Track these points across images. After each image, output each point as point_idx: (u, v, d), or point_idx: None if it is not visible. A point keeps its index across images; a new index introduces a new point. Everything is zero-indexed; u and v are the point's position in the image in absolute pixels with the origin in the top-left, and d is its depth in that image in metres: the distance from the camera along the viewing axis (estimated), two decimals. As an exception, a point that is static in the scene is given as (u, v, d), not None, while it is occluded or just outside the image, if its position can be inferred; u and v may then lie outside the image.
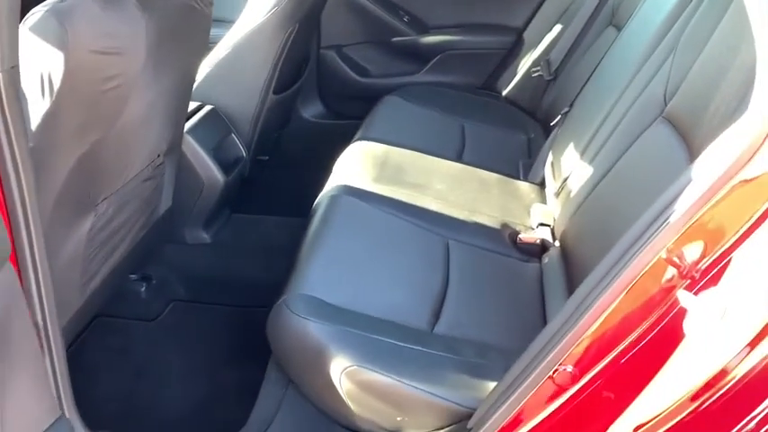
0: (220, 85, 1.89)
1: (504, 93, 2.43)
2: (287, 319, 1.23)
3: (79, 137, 1.09)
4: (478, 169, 1.88)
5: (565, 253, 1.49)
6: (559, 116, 1.86)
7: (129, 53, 1.10)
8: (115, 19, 1.06)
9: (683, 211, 0.80)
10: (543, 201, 1.78)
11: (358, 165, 1.78)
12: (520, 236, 1.60)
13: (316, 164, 2.33)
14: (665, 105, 1.34)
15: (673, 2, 1.42)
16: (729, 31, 1.17)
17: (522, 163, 1.96)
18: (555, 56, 2.21)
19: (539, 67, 2.23)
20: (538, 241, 1.58)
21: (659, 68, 1.38)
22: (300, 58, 2.22)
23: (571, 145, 1.64)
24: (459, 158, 1.96)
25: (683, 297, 0.82)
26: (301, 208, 1.94)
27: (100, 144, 1.13)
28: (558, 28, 2.27)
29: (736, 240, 0.80)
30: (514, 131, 2.23)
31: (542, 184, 1.88)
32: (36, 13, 1.00)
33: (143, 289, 1.82)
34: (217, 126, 1.86)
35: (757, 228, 0.78)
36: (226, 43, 1.85)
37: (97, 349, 1.68)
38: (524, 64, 2.38)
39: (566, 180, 1.59)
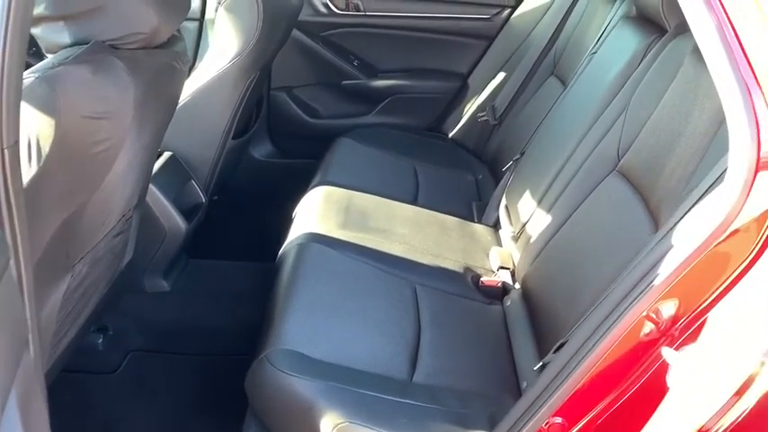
0: (180, 132, 1.86)
1: (451, 135, 2.53)
2: (270, 376, 1.24)
3: (66, 201, 1.07)
4: (436, 213, 1.95)
5: (527, 296, 1.57)
6: (511, 162, 1.95)
7: (119, 116, 1.10)
8: (105, 83, 1.06)
9: (664, 277, 0.89)
10: (499, 243, 1.86)
11: (322, 210, 1.81)
12: (482, 279, 1.68)
13: (268, 203, 2.35)
14: (619, 160, 1.45)
15: (622, 63, 1.55)
16: (680, 97, 1.29)
17: (474, 205, 2.05)
18: (500, 102, 2.32)
19: (484, 113, 2.34)
20: (499, 284, 1.66)
21: (611, 125, 1.49)
22: (254, 104, 2.23)
23: (527, 193, 1.73)
24: (415, 200, 2.03)
25: (666, 353, 0.90)
26: (258, 251, 1.96)
27: (84, 205, 1.12)
28: (501, 75, 2.40)
29: (712, 301, 0.89)
30: (463, 172, 2.32)
31: (496, 226, 1.97)
32: (26, 79, 0.99)
33: (100, 341, 1.77)
34: (177, 173, 1.85)
35: (731, 289, 0.87)
36: (186, 90, 1.85)
37: (56, 408, 1.62)
38: (469, 108, 2.49)
39: (524, 226, 1.68)
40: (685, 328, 0.91)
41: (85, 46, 1.06)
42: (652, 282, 0.90)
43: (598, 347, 0.94)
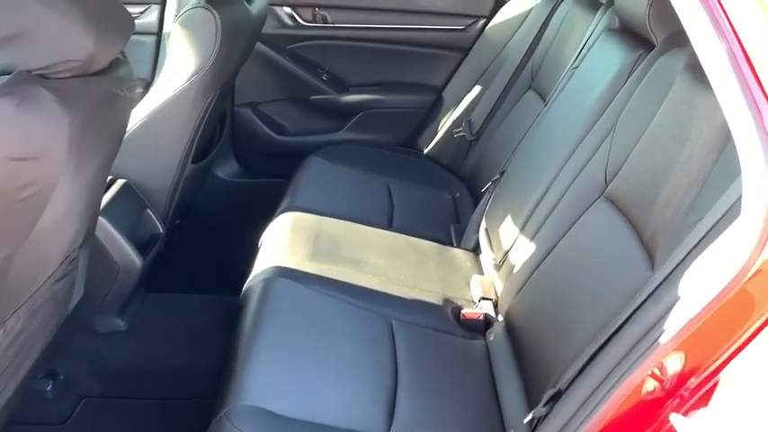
0: (134, 158, 1.73)
1: (426, 151, 2.42)
2: (231, 437, 1.11)
3: (-14, 254, 0.94)
4: (412, 237, 1.84)
5: (511, 330, 1.47)
6: (490, 183, 1.85)
7: (49, 155, 0.96)
8: (31, 119, 0.93)
9: (672, 334, 0.78)
10: (480, 270, 1.76)
11: (289, 240, 1.68)
12: (463, 311, 1.56)
13: (234, 227, 2.22)
14: (607, 185, 1.35)
15: (606, 79, 1.45)
16: (672, 119, 1.19)
17: (453, 227, 1.94)
18: (476, 117, 2.22)
19: (460, 128, 2.24)
20: (481, 317, 1.55)
21: (598, 147, 1.39)
22: (217, 121, 2.10)
23: (509, 217, 1.63)
24: (390, 224, 1.91)
25: (675, 419, 0.79)
26: (223, 282, 1.83)
27: (10, 259, 0.98)
28: (477, 89, 2.29)
29: (726, 359, 0.78)
30: (439, 191, 2.21)
31: (476, 251, 1.87)
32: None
33: (49, 387, 1.62)
34: (131, 202, 1.71)
35: (747, 345, 0.77)
36: (139, 112, 1.72)
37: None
38: (445, 123, 2.38)
39: (507, 254, 1.58)
40: (695, 390, 0.80)
41: (7, 77, 0.93)
42: (658, 339, 0.80)
43: (599, 410, 0.84)
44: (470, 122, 2.23)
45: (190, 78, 1.68)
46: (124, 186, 1.71)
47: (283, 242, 1.68)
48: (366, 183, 2.14)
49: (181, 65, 1.69)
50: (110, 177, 1.71)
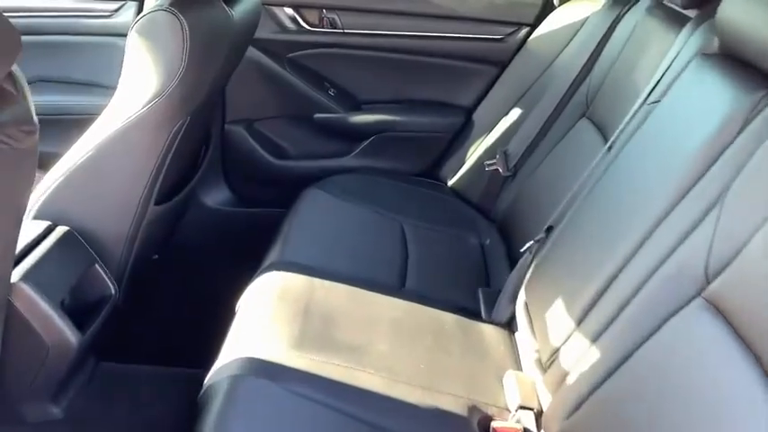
0: (79, 199, 1.37)
1: (450, 183, 2.03)
2: None
3: None
4: (429, 309, 1.44)
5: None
6: (532, 242, 1.45)
7: None
8: None
9: None
10: (516, 359, 1.36)
11: (271, 314, 1.30)
12: (493, 425, 1.17)
13: (221, 265, 1.86)
14: (708, 282, 0.94)
15: (708, 129, 1.02)
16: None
17: (482, 293, 1.54)
18: (514, 147, 1.81)
19: (494, 160, 1.83)
20: (519, 434, 1.16)
21: (695, 226, 0.99)
22: (195, 148, 1.73)
23: (559, 301, 1.23)
24: (402, 283, 1.53)
25: None
26: (197, 344, 1.46)
27: None
28: (515, 112, 1.89)
29: None
30: (464, 233, 1.82)
31: (510, 325, 1.47)
32: None
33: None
34: (72, 257, 1.35)
35: None
36: (85, 143, 1.35)
37: None
38: (474, 151, 1.98)
39: (557, 352, 1.18)
40: None
41: None
42: None
43: None
44: (506, 153, 1.83)
45: (151, 101, 1.30)
46: (65, 236, 1.34)
47: (262, 316, 1.30)
48: (375, 224, 1.75)
49: (139, 84, 1.31)
50: (47, 224, 1.35)
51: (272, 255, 1.54)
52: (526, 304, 1.40)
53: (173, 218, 1.70)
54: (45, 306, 1.21)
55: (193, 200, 2.01)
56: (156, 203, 1.47)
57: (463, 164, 2.00)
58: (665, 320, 0.98)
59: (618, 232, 1.14)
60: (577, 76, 1.71)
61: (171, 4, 1.26)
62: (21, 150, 0.82)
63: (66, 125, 1.95)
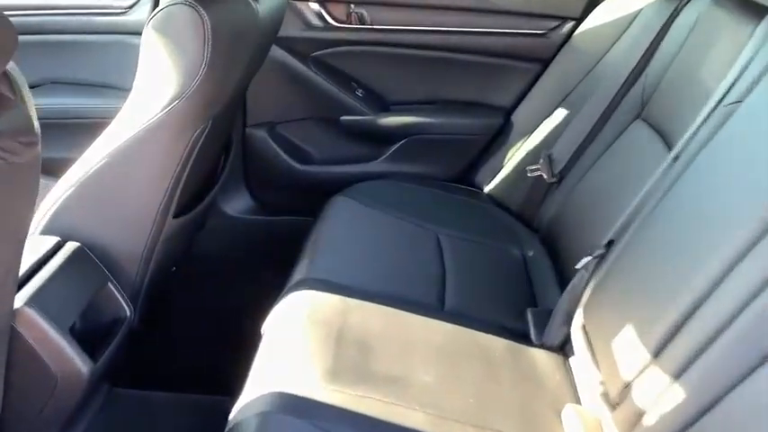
0: (91, 213, 1.26)
1: (487, 189, 1.89)
2: None
3: None
4: (474, 332, 1.31)
5: None
6: (589, 258, 1.31)
7: None
8: None
9: None
10: (573, 389, 1.22)
11: (300, 340, 1.17)
12: (554, 469, 1.04)
13: (243, 279, 1.75)
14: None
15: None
16: None
17: (530, 314, 1.40)
18: (559, 151, 1.67)
19: (537, 165, 1.69)
20: (583, 480, 1.03)
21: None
22: (215, 154, 1.60)
23: (629, 329, 1.09)
24: (441, 303, 1.39)
25: None
26: (221, 368, 1.35)
27: None
28: (560, 113, 1.74)
29: None
30: (505, 244, 1.68)
31: (563, 349, 1.34)
32: None
33: None
34: (83, 276, 1.23)
35: None
36: (97, 151, 1.23)
37: None
38: (514, 155, 1.84)
39: (628, 387, 1.04)
40: None
41: None
42: None
43: None
44: (551, 158, 1.68)
45: (169, 105, 1.18)
46: (75, 253, 1.22)
47: (292, 343, 1.17)
48: (409, 235, 1.62)
49: (155, 86, 1.19)
50: (56, 240, 1.23)
51: (300, 271, 1.42)
52: (584, 328, 1.26)
53: (192, 230, 1.58)
54: (53, 333, 1.09)
55: (212, 208, 1.89)
56: (175, 216, 1.35)
57: (501, 169, 1.85)
58: (761, 362, 0.84)
59: (697, 257, 1.00)
60: (630, 73, 1.56)
61: (191, -2, 1.13)
62: (19, 165, 0.70)
63: (78, 129, 1.84)
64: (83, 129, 1.78)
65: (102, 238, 1.26)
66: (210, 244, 1.91)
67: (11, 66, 0.74)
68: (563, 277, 1.56)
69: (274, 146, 1.93)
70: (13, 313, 1.05)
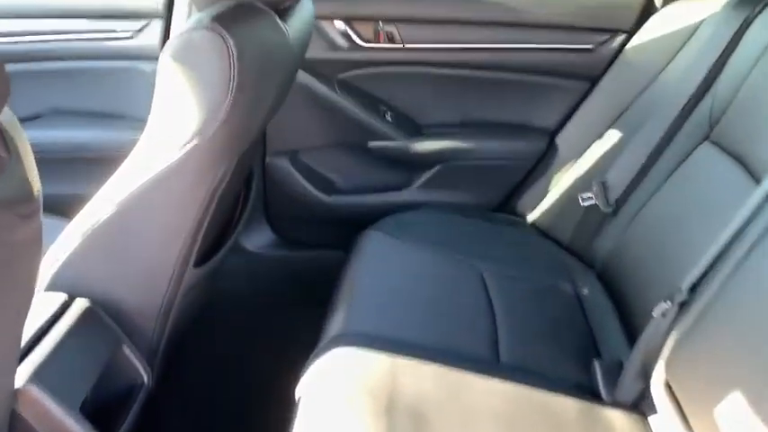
0: (102, 266, 1.10)
1: (531, 218, 1.73)
2: None
3: None
4: (537, 391, 1.15)
5: None
6: (668, 303, 1.15)
7: None
8: None
9: None
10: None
11: (346, 413, 1.02)
12: None
13: (269, 324, 1.60)
14: None
15: None
16: None
17: (598, 366, 1.24)
18: (615, 177, 1.51)
19: (590, 192, 1.54)
20: None
21: None
22: (237, 191, 1.45)
23: (736, 397, 0.93)
24: (496, 355, 1.23)
25: None
26: None
27: None
28: (613, 135, 1.59)
29: None
30: (556, 281, 1.52)
31: (637, 406, 1.18)
32: None
33: None
34: (96, 341, 1.07)
35: None
36: (108, 197, 1.08)
37: None
38: (560, 181, 1.68)
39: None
40: None
41: None
42: None
43: None
44: (605, 185, 1.53)
45: (190, 144, 1.03)
46: (86, 312, 1.07)
47: (335, 415, 1.02)
48: (451, 273, 1.47)
49: (173, 122, 1.04)
50: (64, 296, 1.08)
51: (335, 323, 1.26)
52: (668, 386, 1.10)
53: (213, 276, 1.42)
54: (62, 415, 0.94)
55: (233, 244, 1.74)
56: (195, 265, 1.20)
57: (546, 196, 1.70)
58: None
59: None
60: (695, 91, 1.40)
61: (214, 21, 0.98)
62: (17, 244, 0.55)
63: (85, 162, 1.70)
64: (90, 162, 1.65)
65: (114, 293, 1.11)
66: (230, 284, 1.76)
67: (4, 112, 0.60)
68: (628, 321, 1.40)
69: (297, 175, 1.78)
70: (15, 394, 0.90)
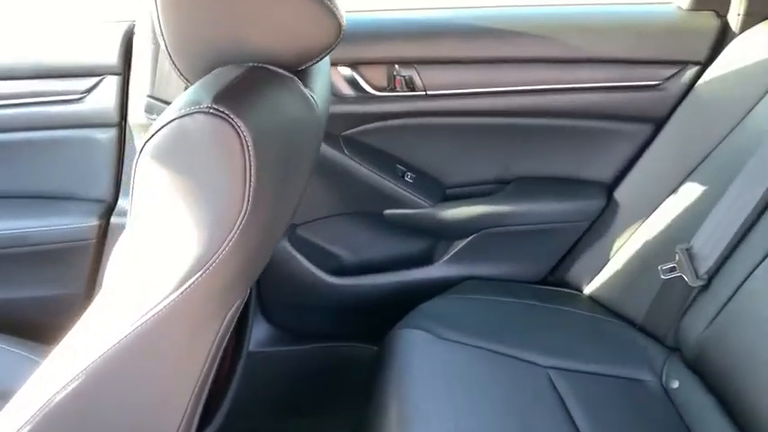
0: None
1: (588, 291, 1.43)
2: None
3: None
4: None
5: None
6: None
7: None
8: None
9: None
10: None
11: None
12: None
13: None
14: None
15: None
16: None
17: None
18: (703, 245, 1.22)
19: (673, 263, 1.25)
20: None
21: None
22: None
23: None
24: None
25: None
26: None
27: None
28: (690, 191, 1.30)
29: None
30: (637, 372, 1.24)
31: None
32: None
33: None
34: None
35: None
36: (64, 365, 0.72)
37: None
38: (623, 246, 1.39)
39: None
40: None
41: None
42: None
43: None
44: (691, 252, 1.24)
45: (188, 281, 0.69)
46: None
47: None
48: (513, 379, 1.17)
49: (164, 251, 0.70)
50: None
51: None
52: None
53: None
54: None
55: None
56: (198, 430, 0.85)
57: (606, 265, 1.40)
58: None
59: None
60: (801, 135, 1.14)
61: (216, 101, 0.65)
62: None
63: (30, 258, 1.35)
64: (39, 257, 1.31)
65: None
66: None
67: None
68: (737, 420, 1.13)
69: (295, 254, 1.44)
70: None
